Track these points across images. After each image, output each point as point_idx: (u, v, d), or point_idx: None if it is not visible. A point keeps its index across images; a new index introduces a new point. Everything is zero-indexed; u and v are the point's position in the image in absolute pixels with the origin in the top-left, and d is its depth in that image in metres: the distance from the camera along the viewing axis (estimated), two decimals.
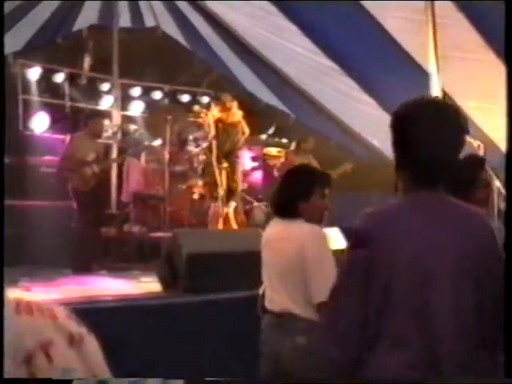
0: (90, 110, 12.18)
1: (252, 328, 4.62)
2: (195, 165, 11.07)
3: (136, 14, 13.01)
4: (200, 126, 10.72)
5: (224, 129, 10.22)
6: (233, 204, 10.33)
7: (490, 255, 2.53)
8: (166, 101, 14.21)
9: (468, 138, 9.43)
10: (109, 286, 8.17)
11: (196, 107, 10.98)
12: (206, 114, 10.31)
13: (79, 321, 1.58)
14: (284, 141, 14.39)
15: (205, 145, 10.71)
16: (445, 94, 8.60)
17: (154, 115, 13.22)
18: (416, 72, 9.66)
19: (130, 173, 11.87)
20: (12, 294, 1.56)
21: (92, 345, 1.57)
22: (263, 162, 13.55)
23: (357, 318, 2.52)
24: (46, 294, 7.21)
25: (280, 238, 4.32)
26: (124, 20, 12.93)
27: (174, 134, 11.29)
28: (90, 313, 6.17)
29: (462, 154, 2.68)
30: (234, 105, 10.35)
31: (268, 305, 4.37)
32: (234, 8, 11.34)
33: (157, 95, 14.12)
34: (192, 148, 11.29)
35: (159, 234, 10.44)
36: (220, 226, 10.00)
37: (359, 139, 13.36)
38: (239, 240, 7.49)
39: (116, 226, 11.21)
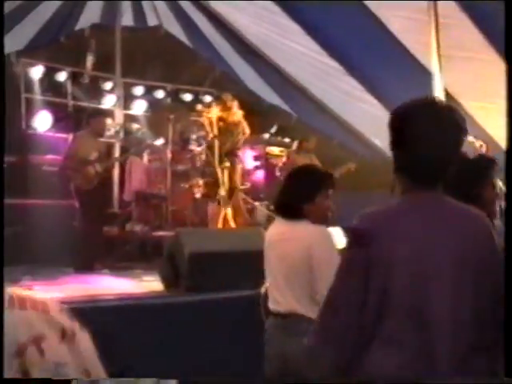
0: (92, 109, 12.18)
1: (254, 327, 4.62)
2: (197, 164, 11.07)
3: (139, 13, 13.03)
4: (201, 126, 10.70)
5: (224, 128, 10.21)
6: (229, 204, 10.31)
7: (488, 256, 2.53)
8: (169, 100, 14.22)
9: (470, 138, 9.42)
10: (111, 285, 8.17)
11: (198, 106, 10.99)
12: (207, 114, 10.29)
13: (72, 316, 1.61)
14: (286, 140, 14.37)
15: (205, 144, 10.71)
16: (447, 93, 8.60)
17: (157, 114, 13.21)
18: (419, 72, 9.66)
19: (132, 172, 11.86)
20: (7, 289, 1.57)
21: (84, 340, 1.60)
22: (265, 161, 13.54)
23: (353, 318, 2.52)
24: (48, 293, 7.20)
25: (285, 238, 4.32)
26: (127, 19, 12.94)
27: (176, 133, 11.28)
28: (92, 312, 6.19)
29: (471, 155, 2.69)
30: (235, 104, 10.33)
31: (272, 306, 4.37)
32: (236, 7, 11.34)
33: (159, 94, 14.13)
34: (194, 147, 11.28)
35: (161, 233, 10.43)
36: (220, 225, 10.00)
37: (362, 139, 13.36)
38: (241, 239, 7.48)
39: (118, 224, 11.21)
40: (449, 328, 2.45)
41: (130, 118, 13.58)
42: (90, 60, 13.10)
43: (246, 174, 12.71)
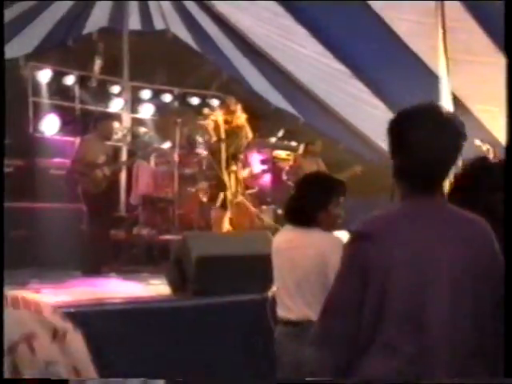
0: (99, 113, 12.20)
1: (261, 331, 4.62)
2: (204, 168, 11.06)
3: (146, 17, 13.05)
4: (205, 129, 10.66)
5: (228, 132, 10.17)
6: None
7: (488, 261, 2.52)
8: (176, 103, 14.23)
9: (477, 142, 9.42)
10: (118, 289, 8.17)
11: (206, 110, 10.98)
12: (211, 117, 10.27)
13: (65, 317, 1.62)
14: (293, 144, 14.36)
15: (208, 148, 10.68)
16: (454, 97, 8.59)
17: (164, 118, 13.22)
18: (426, 75, 9.66)
19: (139, 175, 11.87)
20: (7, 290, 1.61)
21: (76, 341, 1.61)
22: (272, 165, 13.53)
23: (352, 321, 2.54)
24: (55, 296, 7.21)
25: (296, 245, 4.31)
26: (134, 23, 12.96)
27: (183, 136, 11.29)
28: (99, 315, 6.20)
29: (474, 157, 2.68)
30: (239, 108, 10.28)
31: (282, 313, 4.35)
32: (243, 11, 11.36)
33: (167, 98, 14.14)
34: (201, 151, 11.28)
35: (168, 237, 10.43)
36: (224, 229, 9.98)
37: (368, 142, 13.35)
38: (249, 243, 7.47)
39: (125, 228, 11.22)
40: (447, 333, 2.45)
41: (137, 122, 13.58)
42: (97, 64, 13.12)
43: (253, 177, 12.71)
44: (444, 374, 2.44)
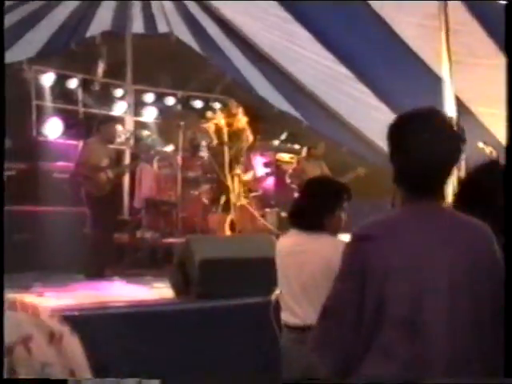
0: (103, 116, 12.20)
1: (265, 334, 4.61)
2: (206, 171, 11.06)
3: (149, 20, 13.06)
4: (206, 132, 10.63)
5: (229, 135, 10.14)
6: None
7: (488, 266, 2.51)
8: (179, 107, 14.24)
9: (481, 144, 9.40)
10: (121, 292, 8.18)
11: (209, 113, 10.99)
12: (213, 120, 10.25)
13: (62, 320, 1.68)
14: (296, 147, 14.35)
15: (209, 151, 10.66)
16: (458, 99, 8.58)
17: (167, 121, 13.23)
18: (429, 78, 9.65)
19: (142, 179, 11.88)
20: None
21: (72, 344, 1.66)
22: (276, 168, 13.53)
23: (350, 325, 2.54)
24: (58, 300, 7.22)
25: (304, 250, 4.30)
26: (137, 26, 12.97)
27: (186, 139, 11.29)
28: (102, 318, 6.20)
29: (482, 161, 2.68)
30: (240, 111, 10.25)
31: (288, 318, 4.33)
32: (247, 14, 11.36)
33: (170, 101, 14.16)
34: (204, 154, 11.28)
35: (172, 240, 10.43)
36: (225, 232, 9.97)
37: (372, 145, 13.34)
38: (252, 246, 7.48)
39: (128, 231, 11.22)
40: (445, 338, 2.44)
41: (140, 125, 13.61)
42: (100, 67, 13.14)
43: (257, 180, 12.72)
44: (439, 377, 2.43)
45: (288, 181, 11.96)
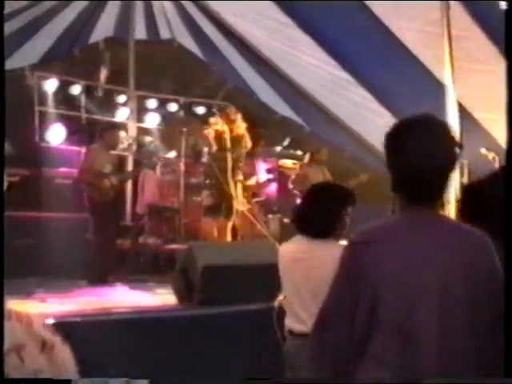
0: (105, 122, 12.21)
1: (267, 340, 4.60)
2: (207, 177, 11.04)
3: (152, 26, 13.08)
4: (206, 139, 10.56)
5: (229, 141, 10.08)
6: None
7: (485, 273, 2.49)
8: (182, 113, 14.25)
9: (483, 150, 9.37)
10: (124, 298, 8.18)
11: (211, 119, 10.97)
12: (212, 127, 10.21)
13: (54, 331, 1.79)
14: (299, 153, 14.36)
15: (208, 157, 10.61)
16: (460, 105, 8.58)
17: (170, 127, 13.24)
18: (431, 83, 9.65)
19: (145, 185, 11.88)
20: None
21: (64, 353, 1.77)
22: (278, 174, 13.54)
23: (344, 331, 2.54)
24: (61, 306, 7.22)
25: (310, 256, 4.28)
26: (140, 32, 12.99)
27: (188, 146, 11.29)
28: (104, 324, 6.20)
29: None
30: (239, 117, 10.21)
31: (293, 325, 4.31)
32: (249, 20, 11.37)
33: (172, 107, 14.17)
34: (206, 160, 11.27)
35: (174, 246, 10.42)
36: (228, 238, 9.94)
37: (373, 150, 13.34)
38: (254, 252, 7.47)
39: (131, 237, 11.22)
40: (437, 346, 2.43)
41: (143, 131, 13.61)
42: (103, 73, 13.17)
43: (259, 186, 12.72)
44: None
45: (290, 186, 11.95)
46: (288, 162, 13.85)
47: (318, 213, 4.36)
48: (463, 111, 9.25)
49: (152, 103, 13.88)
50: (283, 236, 8.94)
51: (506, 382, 2.47)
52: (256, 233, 10.55)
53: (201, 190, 11.02)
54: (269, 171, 13.59)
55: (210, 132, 10.13)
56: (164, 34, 13.31)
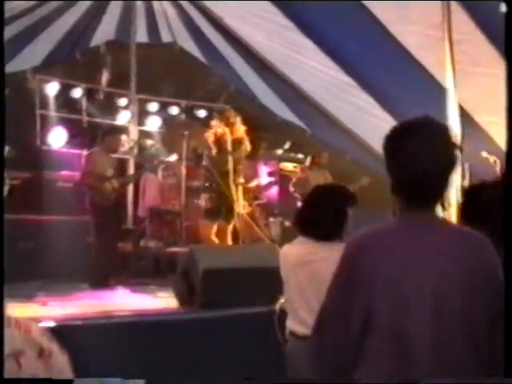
0: (107, 126, 12.21)
1: (269, 343, 4.60)
2: (207, 180, 11.03)
3: (153, 30, 13.09)
4: (205, 142, 10.52)
5: (229, 144, 10.04)
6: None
7: (484, 276, 2.47)
8: (183, 116, 14.25)
9: (484, 154, 9.36)
10: (125, 301, 8.18)
11: (213, 123, 10.97)
12: (212, 130, 10.20)
13: (51, 338, 1.85)
14: (300, 156, 14.37)
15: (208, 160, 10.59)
16: (461, 108, 8.58)
17: (171, 130, 13.23)
18: (432, 87, 9.65)
19: (146, 188, 11.89)
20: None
21: (61, 360, 1.83)
22: (279, 177, 13.55)
23: (340, 335, 2.55)
24: (62, 309, 7.23)
25: (318, 259, 4.26)
26: (141, 35, 13.00)
27: (190, 149, 11.28)
28: (106, 327, 6.20)
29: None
30: (238, 120, 10.19)
31: (296, 328, 4.30)
32: (250, 24, 11.38)
33: (174, 110, 14.17)
34: (206, 163, 11.26)
35: (175, 249, 10.43)
36: (228, 241, 9.93)
37: (375, 154, 13.34)
38: (256, 255, 7.47)
39: (132, 241, 11.22)
40: (431, 349, 2.43)
41: (144, 134, 13.61)
42: (104, 76, 13.17)
43: (261, 189, 12.72)
44: None
45: (291, 189, 11.96)
46: (289, 166, 13.86)
47: (324, 215, 4.34)
48: (464, 115, 9.25)
49: (153, 106, 13.89)
50: (284, 239, 8.93)
51: (506, 382, 2.46)
52: (255, 236, 10.55)
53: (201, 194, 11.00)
54: (270, 174, 13.60)
55: (209, 135, 10.12)
56: (165, 37, 13.32)
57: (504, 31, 4.02)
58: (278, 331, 4.50)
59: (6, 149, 8.98)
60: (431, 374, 2.42)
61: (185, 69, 13.50)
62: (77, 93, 12.76)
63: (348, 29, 9.83)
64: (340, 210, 4.36)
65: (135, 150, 12.49)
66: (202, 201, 10.35)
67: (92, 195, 9.46)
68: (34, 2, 11.03)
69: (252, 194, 11.15)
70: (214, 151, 10.04)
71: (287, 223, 12.07)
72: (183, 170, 10.95)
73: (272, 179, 13.45)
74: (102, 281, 9.23)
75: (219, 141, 10.00)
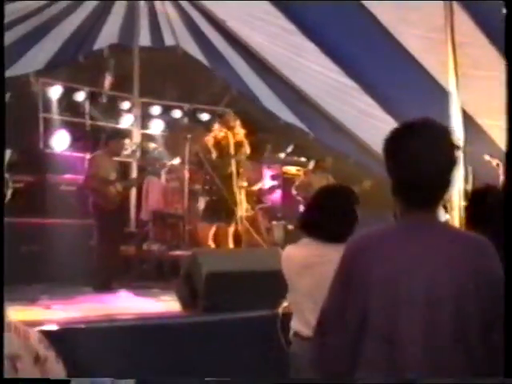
0: (110, 129, 12.22)
1: (272, 347, 4.60)
2: (208, 184, 11.02)
3: (156, 33, 13.10)
4: (206, 146, 10.50)
5: (228, 147, 10.03)
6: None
7: (485, 279, 2.46)
8: (186, 119, 14.25)
9: (487, 157, 9.35)
10: (128, 305, 8.18)
11: (216, 126, 10.98)
12: (211, 133, 10.20)
13: (48, 345, 1.95)
14: (302, 159, 14.36)
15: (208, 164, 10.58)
16: (464, 111, 8.58)
17: (174, 134, 13.25)
18: (435, 90, 9.65)
19: (149, 191, 11.90)
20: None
21: (56, 367, 1.93)
22: (282, 180, 13.54)
23: (343, 334, 2.56)
24: (65, 312, 7.23)
25: (325, 261, 4.22)
26: (144, 39, 13.02)
27: (193, 152, 11.29)
28: (109, 331, 6.20)
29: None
30: (238, 123, 10.18)
31: (303, 329, 4.25)
32: (253, 27, 11.39)
33: (176, 114, 14.18)
34: (207, 166, 11.26)
35: (178, 253, 10.42)
36: (229, 244, 9.92)
37: (377, 157, 13.32)
38: (259, 259, 7.47)
39: (135, 244, 11.22)
40: (424, 352, 2.42)
41: (147, 138, 13.62)
42: (108, 80, 13.18)
43: (264, 193, 12.73)
44: None
45: (294, 192, 11.96)
46: (292, 169, 13.86)
47: (331, 216, 4.32)
48: (467, 117, 9.25)
49: (156, 110, 13.90)
50: (287, 242, 8.93)
51: (505, 382, 2.46)
52: (254, 241, 10.55)
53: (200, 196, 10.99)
54: (273, 177, 13.60)
55: (209, 139, 10.13)
56: (168, 40, 13.33)
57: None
58: (281, 335, 4.49)
59: (9, 152, 8.99)
60: (423, 375, 2.42)
61: (188, 72, 13.51)
62: (80, 96, 12.78)
63: (350, 31, 9.84)
64: (348, 210, 4.34)
65: (138, 154, 12.50)
66: (201, 203, 10.35)
67: (95, 198, 9.46)
68: (40, 4, 11.05)
69: (256, 198, 11.15)
70: (215, 155, 10.04)
71: (290, 226, 12.07)
72: (186, 174, 10.94)
73: (275, 182, 13.45)
74: (104, 284, 9.23)
75: (219, 144, 10.00)
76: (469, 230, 3.41)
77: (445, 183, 2.59)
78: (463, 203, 7.29)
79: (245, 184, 10.44)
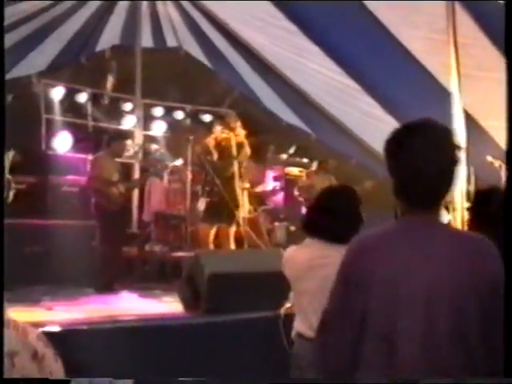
0: (113, 131, 12.22)
1: (274, 348, 4.60)
2: (209, 185, 11.01)
3: (158, 35, 13.12)
4: (207, 147, 10.47)
5: (229, 149, 10.02)
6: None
7: (485, 280, 2.45)
8: (188, 121, 14.26)
9: (489, 158, 9.34)
10: (130, 306, 8.18)
11: (217, 127, 10.97)
12: (212, 135, 10.19)
13: (47, 343, 1.98)
14: (305, 160, 14.36)
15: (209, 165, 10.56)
16: (466, 113, 8.58)
17: (176, 135, 13.24)
18: (437, 91, 9.65)
19: (151, 192, 11.89)
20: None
21: (53, 364, 1.96)
22: (285, 181, 13.54)
23: (346, 334, 2.56)
24: (67, 313, 7.23)
25: (331, 262, 4.22)
26: (146, 40, 13.03)
27: (195, 153, 11.28)
28: (111, 332, 6.20)
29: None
30: (238, 124, 10.17)
31: (307, 331, 4.24)
32: (255, 28, 11.39)
33: (179, 115, 14.19)
34: (208, 167, 11.25)
35: (181, 254, 10.42)
36: (230, 246, 9.91)
37: (380, 158, 13.31)
38: (261, 260, 7.46)
39: (137, 245, 11.22)
40: (424, 352, 2.42)
41: (149, 139, 13.62)
42: (110, 81, 13.19)
43: (266, 194, 12.73)
44: None
45: (296, 193, 11.96)
46: (294, 170, 13.85)
47: (335, 218, 4.30)
48: (469, 119, 9.25)
49: (158, 111, 13.91)
50: (289, 243, 8.93)
51: (506, 382, 2.46)
52: (254, 243, 10.54)
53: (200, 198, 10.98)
54: (276, 179, 13.59)
55: (209, 140, 10.12)
56: (170, 42, 13.35)
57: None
58: (284, 336, 4.49)
59: (12, 153, 8.99)
60: (424, 375, 2.42)
61: (190, 73, 13.51)
62: (82, 97, 12.79)
63: (353, 33, 9.84)
64: (351, 211, 4.33)
65: (140, 155, 12.50)
66: (201, 204, 10.34)
67: (98, 200, 9.46)
68: (42, 6, 11.06)
69: (257, 199, 11.14)
70: (216, 156, 10.03)
71: (293, 228, 12.06)
72: (188, 175, 10.94)
73: (278, 184, 13.44)
74: (107, 285, 9.23)
75: (220, 145, 10.00)
76: (472, 230, 3.41)
77: (446, 184, 2.59)
78: (465, 204, 7.33)
79: (247, 185, 10.43)
